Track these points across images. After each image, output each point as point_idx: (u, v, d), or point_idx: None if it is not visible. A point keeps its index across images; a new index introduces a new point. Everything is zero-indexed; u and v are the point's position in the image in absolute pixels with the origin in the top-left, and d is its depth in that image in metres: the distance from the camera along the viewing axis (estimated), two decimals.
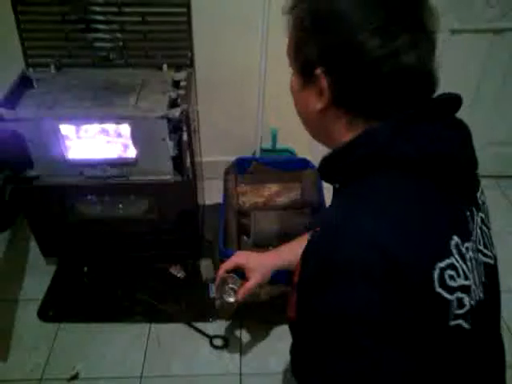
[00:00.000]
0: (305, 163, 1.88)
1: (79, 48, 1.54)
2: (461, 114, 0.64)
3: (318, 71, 0.60)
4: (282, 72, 1.84)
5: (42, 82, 1.46)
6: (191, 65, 1.56)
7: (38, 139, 1.34)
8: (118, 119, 1.33)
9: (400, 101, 0.59)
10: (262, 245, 1.64)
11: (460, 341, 0.57)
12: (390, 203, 0.56)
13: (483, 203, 0.68)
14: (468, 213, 0.62)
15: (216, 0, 1.65)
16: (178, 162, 1.45)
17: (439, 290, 0.53)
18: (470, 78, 1.95)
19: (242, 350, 1.51)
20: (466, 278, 0.56)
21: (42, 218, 1.53)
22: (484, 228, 0.65)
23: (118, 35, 1.54)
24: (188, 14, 1.52)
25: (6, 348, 1.50)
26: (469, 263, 0.57)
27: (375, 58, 0.56)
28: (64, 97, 1.39)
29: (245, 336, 1.55)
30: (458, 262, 0.55)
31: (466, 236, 0.59)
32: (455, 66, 1.80)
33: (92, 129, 1.38)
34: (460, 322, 0.55)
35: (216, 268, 1.71)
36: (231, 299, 1.24)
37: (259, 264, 1.20)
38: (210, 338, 1.52)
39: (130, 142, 1.40)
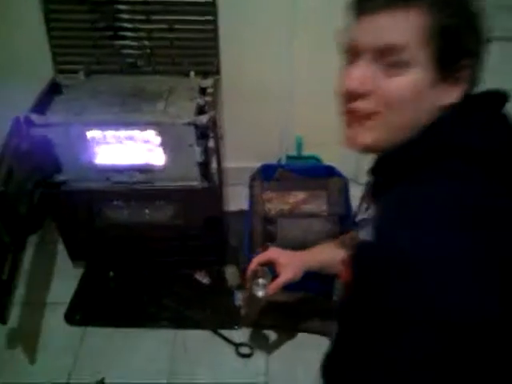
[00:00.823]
0: (330, 170, 1.85)
1: (107, 55, 1.56)
2: None
3: (467, 61, 0.62)
4: (308, 80, 1.83)
5: (70, 89, 1.48)
6: (218, 72, 1.56)
7: (66, 144, 1.35)
8: (146, 125, 1.34)
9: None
10: None
11: None
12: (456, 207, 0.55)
13: None
14: None
15: (243, 8, 1.64)
16: (204, 168, 1.45)
17: None
18: None
19: (268, 358, 1.49)
20: None
21: (70, 222, 1.54)
22: None
23: (146, 42, 1.56)
24: (215, 22, 1.53)
25: (34, 351, 1.52)
26: None
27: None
28: (92, 103, 1.40)
29: (271, 344, 1.52)
30: None
31: None
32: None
33: (119, 135, 1.39)
34: None
35: (241, 274, 1.71)
36: (260, 293, 1.23)
37: (291, 261, 1.18)
38: (236, 345, 1.51)
39: (156, 148, 1.41)
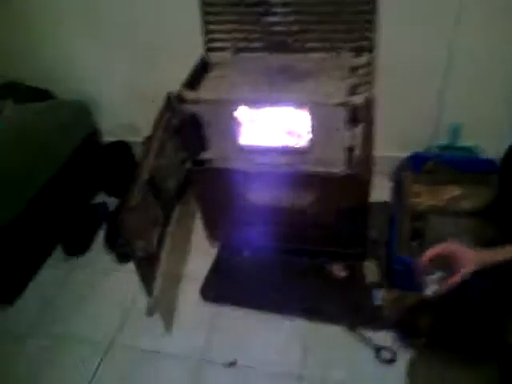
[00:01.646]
0: (492, 165, 1.61)
1: (256, 32, 1.50)
2: None
3: None
4: (472, 60, 1.58)
5: (219, 66, 1.46)
6: (372, 49, 1.41)
7: (214, 122, 1.33)
8: (295, 104, 1.25)
9: None
10: None
11: None
12: None
13: None
14: None
15: None
16: (352, 153, 1.33)
17: None
18: None
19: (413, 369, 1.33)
20: None
21: (211, 200, 1.54)
22: None
23: (296, 18, 1.47)
24: None
25: (171, 322, 1.56)
26: None
27: None
28: (241, 80, 1.36)
29: (416, 352, 1.36)
30: None
31: None
32: None
33: (266, 114, 1.33)
34: None
35: (381, 271, 1.57)
36: (432, 288, 1.08)
37: (473, 258, 1.04)
38: (377, 348, 1.38)
39: (303, 130, 1.32)
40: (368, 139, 1.32)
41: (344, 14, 1.43)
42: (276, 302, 1.55)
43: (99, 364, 1.48)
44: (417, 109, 1.78)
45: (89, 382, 1.44)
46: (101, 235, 1.92)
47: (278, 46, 1.51)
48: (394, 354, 1.36)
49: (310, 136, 1.31)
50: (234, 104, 1.29)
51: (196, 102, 1.30)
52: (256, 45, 1.53)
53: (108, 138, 2.22)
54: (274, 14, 1.48)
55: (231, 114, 1.31)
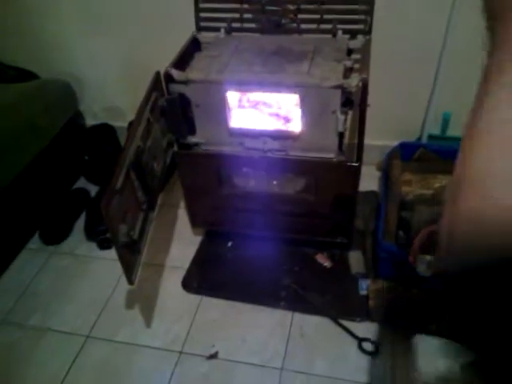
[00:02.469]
0: None
1: (250, 12, 1.45)
2: None
3: None
4: (467, 50, 1.54)
5: (211, 46, 1.40)
6: (369, 31, 1.37)
7: (203, 104, 1.28)
8: (290, 87, 1.21)
9: None
10: None
11: None
12: None
13: None
14: None
15: None
16: (343, 139, 1.30)
17: None
18: None
19: (396, 361, 1.32)
20: None
21: (197, 186, 1.48)
22: None
23: None
24: None
25: (151, 314, 1.51)
26: None
27: None
28: (233, 61, 1.31)
29: (399, 344, 1.35)
30: None
31: None
32: None
33: (258, 96, 1.28)
34: None
35: (366, 261, 1.55)
36: (426, 270, 1.10)
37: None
38: (359, 340, 1.36)
39: (295, 114, 1.28)
40: (361, 124, 1.29)
41: None
42: (259, 293, 1.52)
43: (76, 356, 1.42)
44: (408, 97, 1.75)
45: (65, 373, 1.38)
46: (80, 223, 1.84)
47: (273, 27, 1.46)
48: (377, 346, 1.34)
49: (303, 120, 1.27)
50: (225, 85, 1.23)
51: (185, 82, 1.24)
52: (250, 25, 1.47)
53: (92, 121, 2.13)
54: None
55: (221, 96, 1.26)
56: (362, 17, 1.37)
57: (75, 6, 1.82)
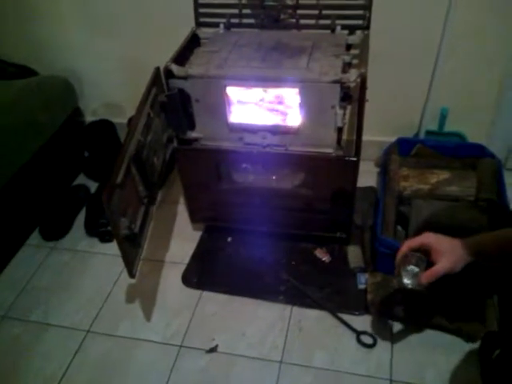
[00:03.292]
0: (480, 150, 1.62)
1: (250, 7, 1.46)
2: None
3: None
4: (464, 44, 1.55)
5: (210, 42, 1.42)
6: (368, 27, 1.38)
7: (203, 99, 1.29)
8: (289, 82, 1.22)
9: None
10: None
11: None
12: None
13: None
14: None
15: None
16: (341, 134, 1.31)
17: None
18: None
19: (393, 353, 1.33)
20: None
21: (196, 181, 1.49)
22: None
23: None
24: None
25: (151, 308, 1.51)
26: None
27: None
28: (232, 56, 1.32)
29: (396, 338, 1.37)
30: None
31: None
32: None
33: (258, 91, 1.29)
34: None
35: (365, 256, 1.56)
36: (410, 282, 1.06)
37: (452, 249, 0.99)
38: (358, 333, 1.37)
39: (294, 109, 1.29)
40: (360, 119, 1.30)
41: None
42: (258, 288, 1.53)
43: (77, 350, 1.43)
44: (405, 93, 1.76)
45: (66, 368, 1.39)
46: (80, 219, 1.85)
47: (272, 22, 1.47)
48: (375, 338, 1.35)
49: (302, 115, 1.28)
50: (224, 80, 1.25)
51: (184, 77, 1.25)
52: (249, 21, 1.49)
53: (91, 118, 2.14)
54: None
55: (221, 91, 1.27)
56: (361, 12, 1.39)
57: (75, 4, 1.83)
